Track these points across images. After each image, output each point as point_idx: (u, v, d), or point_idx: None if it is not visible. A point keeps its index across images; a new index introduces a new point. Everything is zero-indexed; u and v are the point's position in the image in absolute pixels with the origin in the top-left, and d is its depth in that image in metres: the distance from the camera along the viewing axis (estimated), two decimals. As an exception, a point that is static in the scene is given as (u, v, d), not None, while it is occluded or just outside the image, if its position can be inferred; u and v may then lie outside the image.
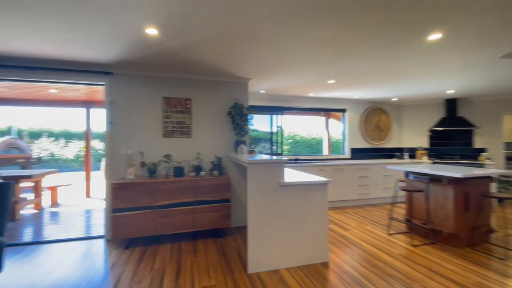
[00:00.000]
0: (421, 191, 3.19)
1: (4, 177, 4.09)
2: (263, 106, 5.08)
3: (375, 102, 5.82)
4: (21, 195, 4.41)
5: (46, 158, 12.13)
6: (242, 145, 3.31)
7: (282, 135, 5.32)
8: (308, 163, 4.71)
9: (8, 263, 2.61)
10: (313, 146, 7.23)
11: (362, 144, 5.79)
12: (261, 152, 5.33)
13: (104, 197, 3.30)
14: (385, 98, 5.37)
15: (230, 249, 2.95)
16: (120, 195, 2.91)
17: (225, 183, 3.25)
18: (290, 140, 7.12)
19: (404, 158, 5.77)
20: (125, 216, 2.92)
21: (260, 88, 4.41)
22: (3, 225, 2.27)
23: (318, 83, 4.09)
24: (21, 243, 3.12)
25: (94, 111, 5.91)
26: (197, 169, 3.34)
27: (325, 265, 2.58)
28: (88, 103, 5.72)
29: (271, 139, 5.30)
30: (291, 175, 2.95)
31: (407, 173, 3.64)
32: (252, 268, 2.42)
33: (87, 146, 6.06)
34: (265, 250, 2.46)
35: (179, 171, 3.24)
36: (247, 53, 2.73)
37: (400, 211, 4.58)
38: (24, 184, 4.80)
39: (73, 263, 2.63)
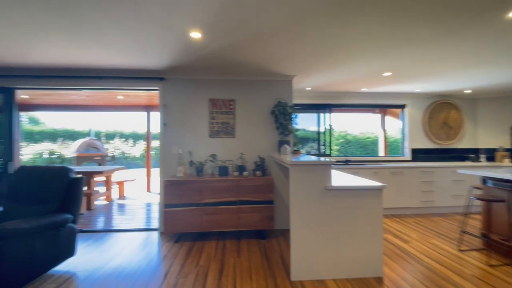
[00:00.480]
0: (503, 201, 2.61)
1: (81, 172, 4.81)
2: (309, 104, 4.87)
3: (442, 95, 5.03)
4: (95, 188, 5.12)
5: (118, 156, 14.00)
6: (286, 145, 3.20)
7: (330, 135, 5.02)
8: (361, 165, 4.33)
9: (80, 247, 3.04)
10: (367, 146, 6.66)
11: (426, 144, 5.07)
12: (308, 153, 5.12)
13: (159, 193, 3.58)
14: (454, 90, 4.59)
15: (273, 252, 2.88)
16: (171, 192, 3.11)
17: (268, 184, 3.20)
18: (341, 140, 6.69)
19: (480, 161, 4.85)
20: (175, 211, 3.11)
21: (306, 85, 4.23)
22: (76, 214, 2.63)
23: (371, 77, 3.72)
24: (92, 230, 3.61)
25: (153, 114, 6.53)
26: (241, 169, 3.36)
27: (379, 280, 2.30)
28: (148, 107, 6.34)
29: (318, 139, 5.05)
30: (340, 178, 2.72)
31: (485, 179, 3.02)
32: (295, 276, 2.30)
33: (148, 146, 6.73)
34: (310, 258, 2.32)
35: (223, 171, 3.31)
36: (290, 49, 2.62)
37: (475, 224, 3.84)
38: (97, 178, 5.56)
39: (132, 251, 2.91)
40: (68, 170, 2.67)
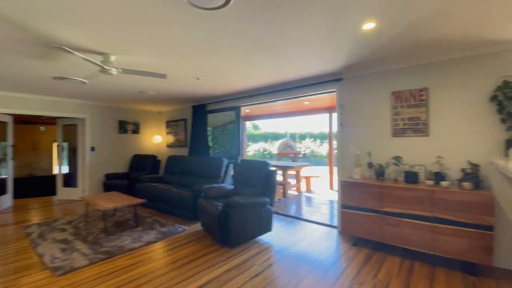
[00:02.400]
0: None
1: (279, 167, 5.97)
2: None
3: None
4: (289, 180, 6.16)
5: (308, 154, 15.95)
6: (523, 147, 2.09)
7: None
8: None
9: (275, 226, 3.80)
10: None
11: None
12: None
13: (337, 191, 3.67)
14: None
15: (493, 300, 2.01)
16: (348, 193, 3.09)
17: (484, 202, 2.26)
18: None
19: None
20: (351, 213, 3.05)
21: None
22: (272, 199, 3.33)
23: None
24: (285, 214, 4.39)
25: (334, 115, 6.77)
26: (437, 177, 2.63)
27: None
28: (330, 109, 6.65)
29: None
30: None
31: None
32: None
33: (330, 145, 7.08)
34: None
35: (411, 177, 2.77)
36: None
37: None
38: (290, 172, 6.66)
39: (313, 241, 3.22)
40: (266, 164, 3.45)
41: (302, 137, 16.77)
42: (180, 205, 4.07)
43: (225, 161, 4.50)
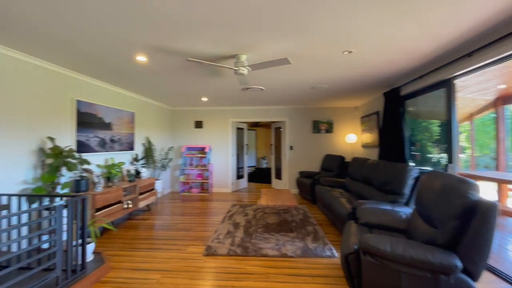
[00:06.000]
0: None
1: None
2: None
3: None
4: None
5: None
6: None
7: None
8: None
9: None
10: None
11: None
12: None
13: None
14: None
15: None
16: None
17: None
18: None
19: None
20: None
21: None
22: (477, 264, 1.55)
23: None
24: None
25: None
26: None
27: None
28: None
29: None
30: None
31: None
32: None
33: None
34: None
35: None
36: None
37: None
38: None
39: None
40: (465, 186, 1.66)
41: None
42: (341, 222, 3.22)
43: (415, 172, 2.87)
